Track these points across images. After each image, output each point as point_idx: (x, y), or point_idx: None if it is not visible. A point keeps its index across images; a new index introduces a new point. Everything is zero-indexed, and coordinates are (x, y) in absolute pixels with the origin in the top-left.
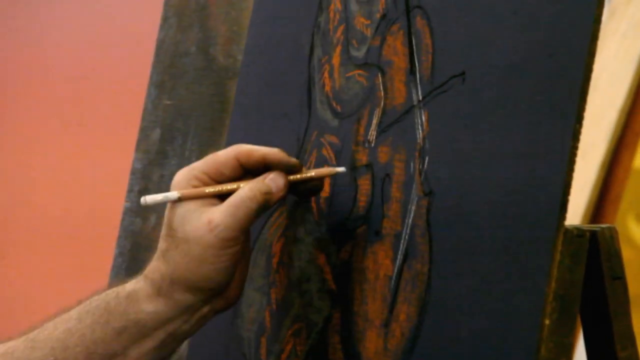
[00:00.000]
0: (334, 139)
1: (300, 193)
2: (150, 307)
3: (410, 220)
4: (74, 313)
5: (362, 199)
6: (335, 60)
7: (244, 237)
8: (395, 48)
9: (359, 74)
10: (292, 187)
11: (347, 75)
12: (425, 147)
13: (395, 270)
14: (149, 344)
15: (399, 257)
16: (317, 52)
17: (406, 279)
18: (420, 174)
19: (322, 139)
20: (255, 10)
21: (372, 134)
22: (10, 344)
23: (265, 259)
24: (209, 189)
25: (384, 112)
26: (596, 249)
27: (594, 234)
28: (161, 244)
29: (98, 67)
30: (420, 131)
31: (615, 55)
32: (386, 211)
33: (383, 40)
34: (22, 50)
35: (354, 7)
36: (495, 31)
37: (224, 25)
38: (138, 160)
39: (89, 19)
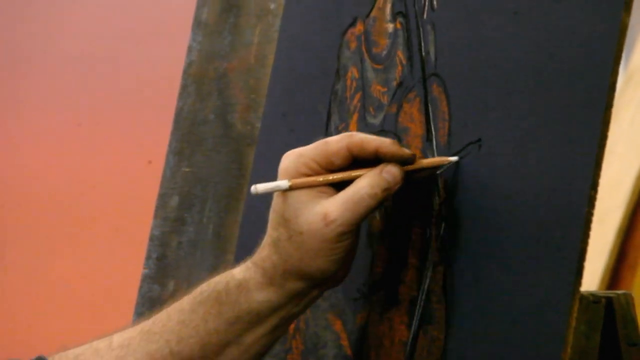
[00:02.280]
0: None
1: (413, 181)
2: (262, 296)
3: (426, 286)
4: (186, 304)
5: (379, 265)
6: (353, 127)
7: (358, 229)
8: (411, 115)
9: None
10: (406, 176)
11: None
12: (442, 214)
13: (411, 336)
14: (262, 330)
15: (415, 323)
16: (334, 119)
17: (422, 345)
18: (436, 240)
19: None
20: (272, 79)
21: (389, 200)
22: (126, 335)
23: None
24: (321, 178)
25: None
26: (612, 315)
27: (609, 300)
28: (272, 233)
29: (120, 138)
30: (437, 198)
31: (631, 122)
32: (402, 277)
33: (400, 107)
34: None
35: (370, 74)
36: (512, 99)
37: (242, 93)
38: (156, 227)
39: (107, 90)
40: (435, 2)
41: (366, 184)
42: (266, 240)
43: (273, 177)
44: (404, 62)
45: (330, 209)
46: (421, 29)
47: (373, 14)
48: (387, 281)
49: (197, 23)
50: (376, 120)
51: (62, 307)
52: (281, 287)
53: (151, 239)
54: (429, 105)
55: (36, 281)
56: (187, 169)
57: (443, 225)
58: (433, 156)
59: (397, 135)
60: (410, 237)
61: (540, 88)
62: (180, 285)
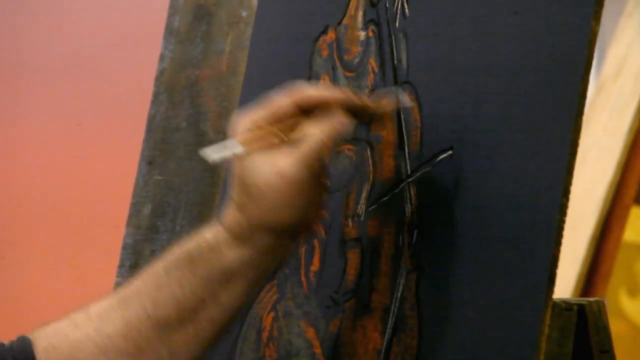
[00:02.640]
0: (323, 213)
1: (362, 124)
2: (234, 254)
3: (399, 294)
4: (160, 268)
5: (352, 273)
6: None
7: (317, 178)
8: (384, 123)
9: (348, 149)
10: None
11: (336, 150)
12: (414, 221)
13: (385, 343)
14: (237, 287)
15: (388, 330)
16: None
17: (395, 353)
18: (408, 247)
19: None
20: (245, 87)
21: (361, 208)
22: (103, 304)
23: (255, 333)
24: (275, 139)
25: (373, 186)
26: (584, 322)
27: (582, 307)
28: (234, 195)
29: (92, 147)
30: (409, 205)
31: (603, 130)
32: (375, 285)
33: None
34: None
35: (342, 82)
36: (483, 107)
37: (214, 101)
38: (129, 235)
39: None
40: (407, 10)
41: (316, 135)
42: (230, 200)
43: None
44: (376, 69)
45: (284, 166)
46: (393, 37)
47: (345, 21)
48: (360, 289)
49: (169, 31)
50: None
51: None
52: (251, 243)
53: (124, 247)
54: (401, 112)
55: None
56: (159, 177)
57: (415, 232)
58: (406, 165)
59: (369, 143)
60: (382, 245)
61: (511, 96)
62: None
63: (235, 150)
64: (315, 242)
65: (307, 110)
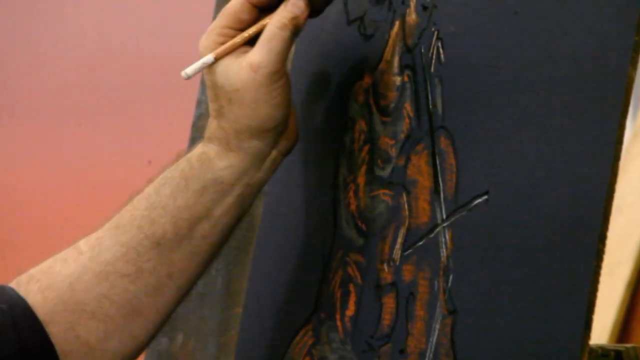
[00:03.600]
0: (359, 258)
1: (316, 9)
2: (224, 163)
3: (434, 339)
4: (150, 189)
5: (387, 317)
6: (361, 179)
7: (285, 69)
8: (419, 167)
9: (383, 193)
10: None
11: (372, 194)
12: (449, 266)
13: None
14: (229, 199)
15: None
16: (343, 171)
17: None
18: (444, 292)
19: (347, 258)
20: None
21: (397, 252)
22: (95, 235)
23: None
24: (238, 38)
25: (408, 231)
26: None
27: (618, 353)
28: (213, 106)
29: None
30: (445, 250)
31: (639, 176)
32: (410, 329)
33: (407, 159)
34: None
35: (378, 127)
36: (519, 153)
37: None
38: None
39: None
40: (442, 56)
41: (274, 20)
42: (211, 115)
43: (280, 231)
44: (412, 114)
45: (252, 58)
46: (428, 82)
47: (381, 66)
48: (395, 334)
49: None
50: (384, 173)
51: None
52: (239, 149)
53: None
54: (437, 157)
55: None
56: None
57: (451, 277)
58: (442, 209)
59: (405, 188)
60: (418, 290)
61: (546, 141)
62: (188, 338)
63: (206, 60)
64: (351, 287)
65: (265, 7)
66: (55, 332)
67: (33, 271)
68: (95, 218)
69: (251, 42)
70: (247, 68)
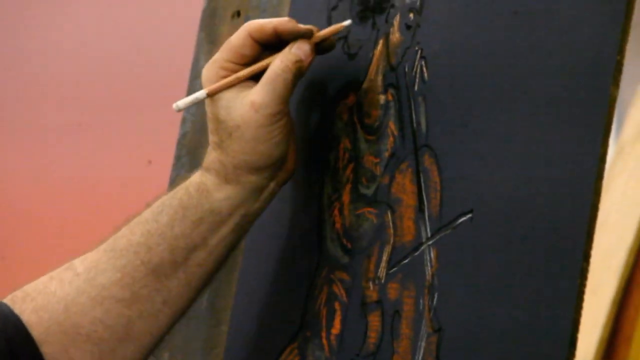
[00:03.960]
0: (344, 276)
1: (321, 53)
2: (222, 195)
3: (420, 357)
4: (148, 215)
5: (372, 336)
6: (345, 197)
7: (287, 109)
8: (404, 186)
9: (368, 212)
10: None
11: (356, 212)
12: (434, 284)
13: None
14: (226, 229)
15: None
16: (328, 189)
17: None
18: (429, 310)
19: (332, 276)
20: None
21: (382, 270)
22: (90, 257)
23: None
24: (233, 78)
25: (393, 249)
26: None
27: None
28: (213, 138)
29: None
30: (429, 268)
31: (623, 193)
32: (396, 348)
33: (392, 178)
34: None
35: (363, 145)
36: (502, 171)
37: None
38: None
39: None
40: (426, 74)
41: (278, 61)
42: (210, 146)
43: (265, 249)
44: (396, 133)
45: (254, 97)
46: (412, 101)
47: (365, 85)
48: (381, 352)
49: (191, 94)
50: (369, 191)
51: None
52: (237, 183)
53: None
54: (421, 176)
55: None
56: None
57: (436, 295)
58: (426, 228)
59: (389, 206)
60: (403, 308)
61: (530, 160)
62: (174, 356)
63: (199, 95)
64: (337, 305)
65: (267, 43)
66: (49, 352)
67: (29, 288)
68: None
69: (256, 75)
70: (249, 106)
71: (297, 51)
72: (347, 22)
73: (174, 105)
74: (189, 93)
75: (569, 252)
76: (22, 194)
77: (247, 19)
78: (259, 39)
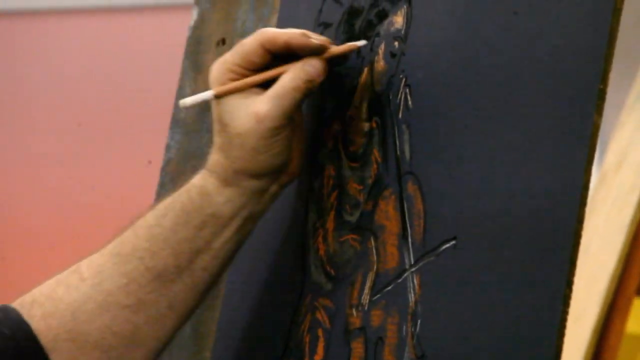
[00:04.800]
0: (328, 303)
1: (334, 67)
2: (223, 198)
3: None
4: (151, 219)
5: None
6: (330, 224)
7: (290, 121)
8: (387, 213)
9: (352, 239)
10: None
11: (340, 239)
12: (418, 311)
13: None
14: (229, 232)
15: None
16: (312, 216)
17: None
18: (412, 337)
19: (316, 303)
20: None
21: (365, 297)
22: (96, 261)
23: None
24: (240, 83)
25: (377, 276)
26: None
27: None
28: (216, 139)
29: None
30: (413, 295)
31: (606, 221)
32: None
33: (375, 205)
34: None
35: (346, 172)
36: (486, 199)
37: None
38: None
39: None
40: (410, 102)
41: (289, 78)
42: (214, 146)
43: (249, 276)
44: (380, 160)
45: (259, 108)
46: (396, 128)
47: (349, 113)
48: None
49: (175, 121)
50: (353, 218)
51: None
52: (238, 187)
53: None
54: (405, 203)
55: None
56: None
57: (419, 322)
58: (410, 255)
59: (373, 233)
60: (386, 335)
61: (513, 188)
62: None
63: (206, 95)
64: (320, 332)
65: (278, 53)
66: None
67: (37, 293)
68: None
69: (263, 84)
70: (253, 116)
71: (309, 69)
72: (362, 43)
73: (180, 102)
74: (174, 119)
75: (552, 279)
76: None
77: (232, 47)
78: (271, 49)
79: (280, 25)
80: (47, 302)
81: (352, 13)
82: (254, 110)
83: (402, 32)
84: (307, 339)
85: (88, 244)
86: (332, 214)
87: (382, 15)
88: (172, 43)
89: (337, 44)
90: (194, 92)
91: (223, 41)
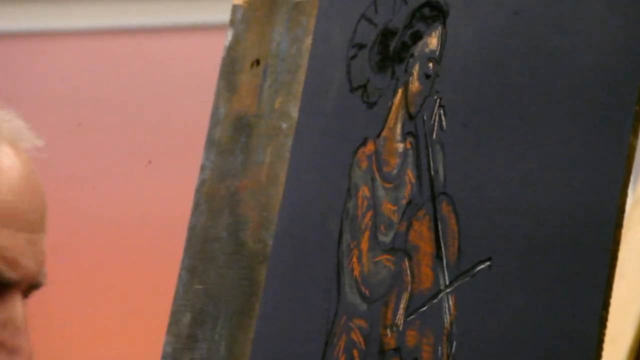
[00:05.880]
0: (362, 323)
1: None
2: None
3: None
4: None
5: None
6: (364, 245)
7: None
8: (421, 233)
9: (386, 259)
10: None
11: (375, 260)
12: (453, 332)
13: None
14: None
15: None
16: (346, 237)
17: None
18: (448, 358)
19: (350, 323)
20: (285, 196)
21: (400, 318)
22: None
23: None
24: None
25: (411, 296)
26: None
27: None
28: None
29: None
30: (448, 315)
31: None
32: None
33: (409, 225)
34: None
35: (381, 193)
36: (519, 218)
37: (253, 210)
38: (169, 344)
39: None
40: (444, 123)
41: None
42: None
43: (284, 296)
44: (413, 181)
45: None
46: (430, 149)
47: (384, 133)
48: None
49: (210, 142)
50: (387, 238)
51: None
52: None
53: (164, 356)
54: (439, 223)
55: None
56: (199, 286)
57: (454, 343)
58: (444, 275)
59: (407, 253)
60: (421, 355)
61: (548, 209)
62: None
63: None
64: (355, 352)
65: None
66: None
67: None
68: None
69: None
70: None
71: None
72: None
73: None
74: (209, 139)
75: (589, 300)
76: None
77: (266, 68)
78: None
79: (315, 46)
80: None
81: (387, 34)
82: None
83: (437, 53)
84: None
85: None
86: (367, 234)
87: (417, 37)
88: (206, 64)
89: (372, 65)
90: (229, 112)
91: (257, 62)
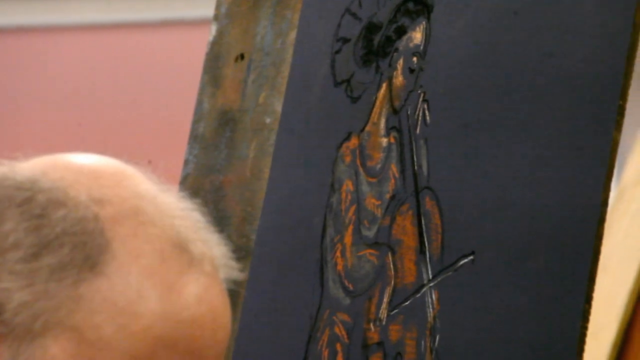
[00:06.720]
0: (345, 317)
1: None
2: None
3: None
4: None
5: None
6: (347, 239)
7: None
8: (404, 228)
9: (370, 253)
10: None
11: (358, 254)
12: (436, 326)
13: None
14: None
15: None
16: (330, 231)
17: None
18: (431, 352)
19: (334, 317)
20: (268, 192)
21: (383, 312)
22: None
23: None
24: None
25: (394, 291)
26: None
27: None
28: None
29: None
30: (431, 310)
31: (624, 236)
32: None
33: (393, 220)
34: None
35: (365, 188)
36: (505, 212)
37: (238, 205)
38: None
39: None
40: (428, 118)
41: None
42: None
43: (267, 291)
44: (397, 175)
45: None
46: (414, 144)
47: (367, 128)
48: None
49: (194, 137)
50: (370, 233)
51: None
52: None
53: None
54: (422, 218)
55: None
56: None
57: (438, 337)
58: (427, 269)
59: (390, 248)
60: (405, 350)
61: (532, 203)
62: None
63: None
64: (338, 346)
65: None
66: None
67: None
68: None
69: None
70: None
71: None
72: None
73: None
74: (192, 134)
75: (571, 294)
76: None
77: (250, 62)
78: None
79: (299, 40)
80: None
81: (371, 28)
82: None
83: (421, 48)
84: (326, 354)
85: None
86: (351, 228)
87: (401, 31)
88: (189, 58)
89: (356, 59)
90: (213, 107)
91: (242, 56)
